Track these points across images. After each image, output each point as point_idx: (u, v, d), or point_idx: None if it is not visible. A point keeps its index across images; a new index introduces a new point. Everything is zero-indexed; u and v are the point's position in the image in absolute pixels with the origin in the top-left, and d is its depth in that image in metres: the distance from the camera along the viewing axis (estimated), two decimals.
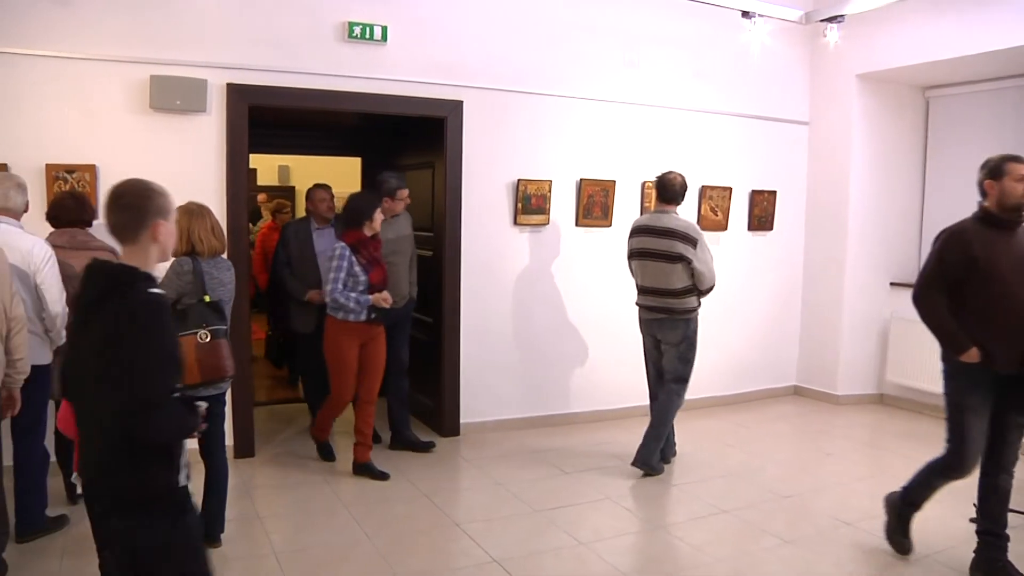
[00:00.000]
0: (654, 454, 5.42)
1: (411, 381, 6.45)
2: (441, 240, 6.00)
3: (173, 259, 4.00)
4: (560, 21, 6.28)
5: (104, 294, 2.30)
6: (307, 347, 5.91)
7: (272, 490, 5.09)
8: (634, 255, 5.47)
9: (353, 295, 5.00)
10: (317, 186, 6.16)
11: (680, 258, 5.21)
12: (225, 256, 4.27)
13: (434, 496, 4.97)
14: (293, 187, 11.95)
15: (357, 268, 5.01)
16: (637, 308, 5.61)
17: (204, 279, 3.98)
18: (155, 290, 2.34)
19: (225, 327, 4.01)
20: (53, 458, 4.53)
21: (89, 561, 3.27)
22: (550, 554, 4.21)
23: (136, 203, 2.36)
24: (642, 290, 5.48)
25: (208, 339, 3.86)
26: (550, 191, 6.27)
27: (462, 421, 6.17)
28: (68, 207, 4.52)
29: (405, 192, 5.65)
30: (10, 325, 3.64)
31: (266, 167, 11.38)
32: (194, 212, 4.09)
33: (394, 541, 4.33)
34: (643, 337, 5.64)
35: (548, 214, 6.33)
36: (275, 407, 7.11)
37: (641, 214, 6.61)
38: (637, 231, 5.48)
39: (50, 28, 4.93)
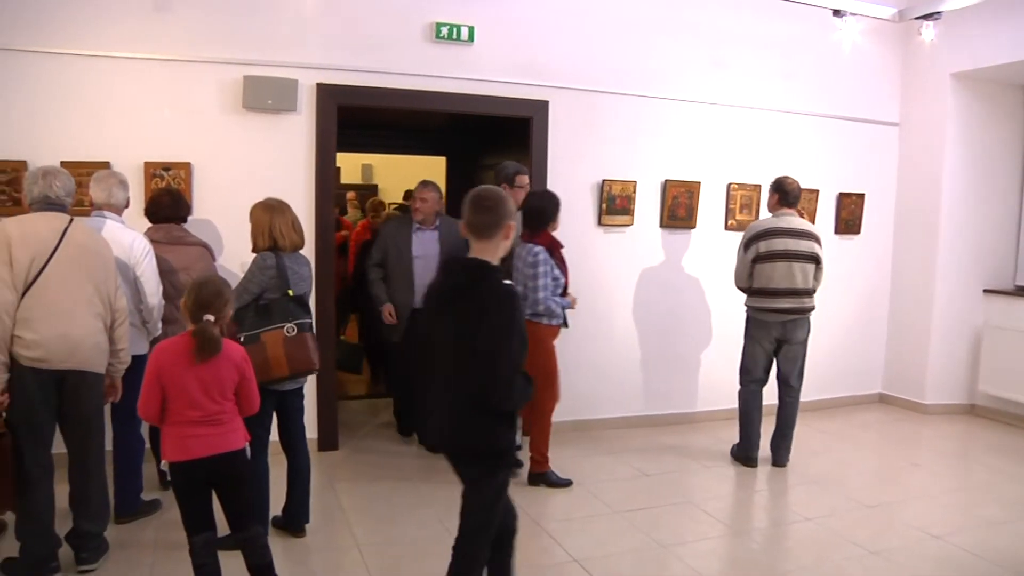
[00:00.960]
0: (789, 450, 5.70)
1: None
2: None
3: (256, 254, 4.08)
4: (648, 21, 6.24)
5: (466, 284, 2.79)
6: (400, 360, 5.79)
7: (355, 483, 5.16)
8: (771, 257, 5.44)
9: (557, 299, 4.92)
10: (425, 184, 5.82)
11: (815, 259, 5.44)
12: (303, 252, 4.32)
13: (514, 495, 4.93)
14: (376, 185, 12.12)
15: (557, 271, 4.92)
16: (755, 310, 5.61)
17: (287, 274, 4.04)
18: (507, 281, 2.79)
19: (310, 321, 4.09)
20: (148, 445, 4.69)
21: (179, 544, 3.38)
22: (630, 555, 4.19)
23: (495, 206, 2.80)
24: (775, 292, 5.45)
25: (295, 333, 3.96)
26: (635, 192, 6.23)
27: None
28: (164, 203, 4.68)
29: (525, 179, 5.45)
30: (114, 316, 3.79)
31: (349, 166, 11.57)
32: (275, 208, 4.14)
33: None
34: (756, 340, 5.65)
35: (632, 215, 6.30)
36: (358, 401, 7.22)
37: (727, 216, 6.57)
38: (770, 233, 5.46)
39: (150, 32, 5.13)
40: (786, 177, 5.56)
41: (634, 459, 5.70)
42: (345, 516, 4.63)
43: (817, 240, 5.48)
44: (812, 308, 5.53)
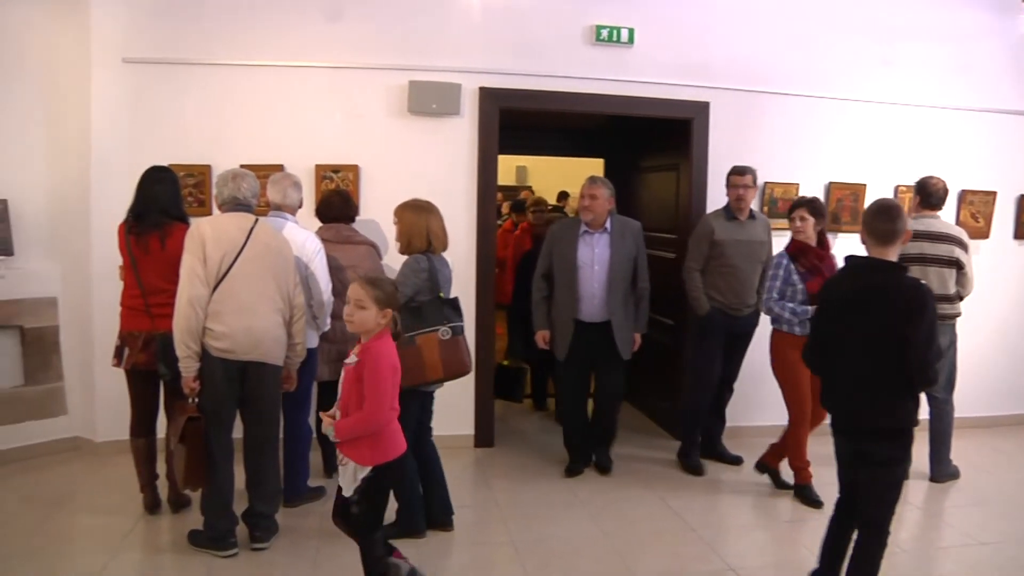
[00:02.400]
0: (946, 465, 5.43)
1: (648, 382, 6.40)
2: (684, 243, 5.88)
3: (408, 256, 4.12)
4: (811, 18, 6.04)
5: (884, 283, 3.19)
6: (563, 377, 5.43)
7: (510, 481, 5.23)
8: (906, 260, 5.21)
9: (790, 305, 4.79)
10: (593, 180, 5.18)
11: (956, 263, 5.17)
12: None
13: (670, 499, 4.94)
14: (530, 187, 12.21)
15: (795, 276, 4.81)
16: None
17: (438, 276, 4.09)
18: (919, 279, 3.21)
19: (462, 324, 4.12)
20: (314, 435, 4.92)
21: (341, 533, 3.50)
22: (790, 568, 4.07)
23: (899, 216, 3.24)
24: None
25: (449, 336, 4.01)
26: (797, 194, 6.01)
27: None
28: (334, 204, 4.91)
29: (744, 178, 5.26)
30: (292, 312, 4.01)
31: (503, 167, 11.68)
32: (428, 209, 4.17)
33: (629, 540, 4.35)
34: None
35: None
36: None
37: None
38: None
39: (322, 41, 5.41)
40: (930, 177, 5.30)
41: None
42: (500, 512, 4.70)
43: (959, 244, 5.18)
44: (955, 315, 5.26)
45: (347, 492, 3.28)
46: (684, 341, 5.91)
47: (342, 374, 3.27)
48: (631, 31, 5.70)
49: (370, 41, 5.45)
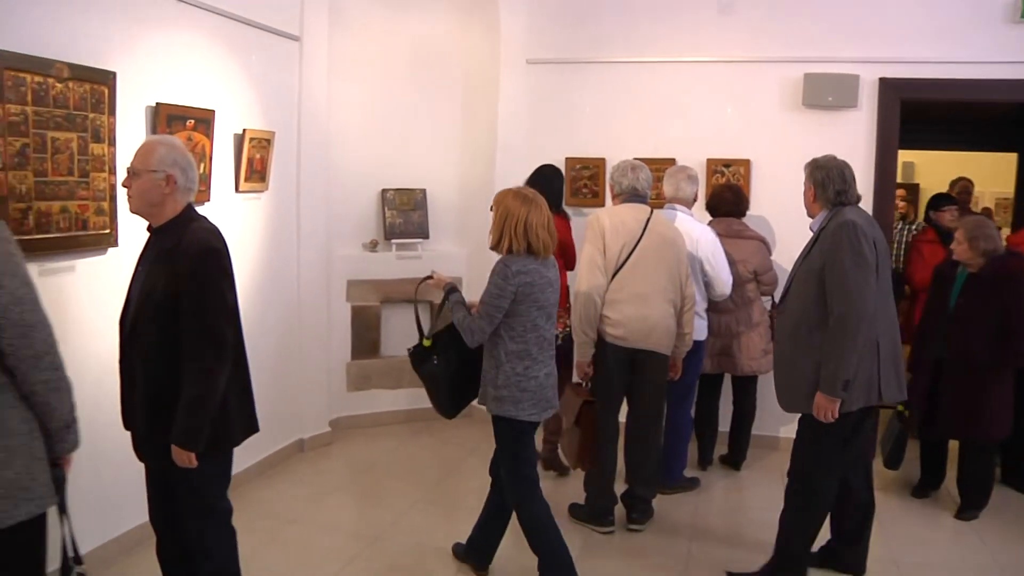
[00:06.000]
0: None
1: None
2: None
3: (498, 256, 3.40)
4: None
5: None
6: None
7: (889, 496, 4.91)
8: None
9: None
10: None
11: None
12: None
13: None
14: (917, 185, 11.30)
15: None
16: None
17: (534, 288, 3.34)
18: None
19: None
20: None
21: (713, 529, 3.54)
22: None
23: None
24: None
25: None
26: None
27: None
28: (726, 199, 4.95)
29: None
30: (683, 302, 4.11)
31: None
32: (532, 200, 3.32)
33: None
34: None
35: None
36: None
37: None
38: None
39: (714, 36, 5.47)
40: None
41: None
42: (882, 529, 4.43)
43: None
44: None
45: None
46: None
47: None
48: None
49: (763, 33, 5.40)
